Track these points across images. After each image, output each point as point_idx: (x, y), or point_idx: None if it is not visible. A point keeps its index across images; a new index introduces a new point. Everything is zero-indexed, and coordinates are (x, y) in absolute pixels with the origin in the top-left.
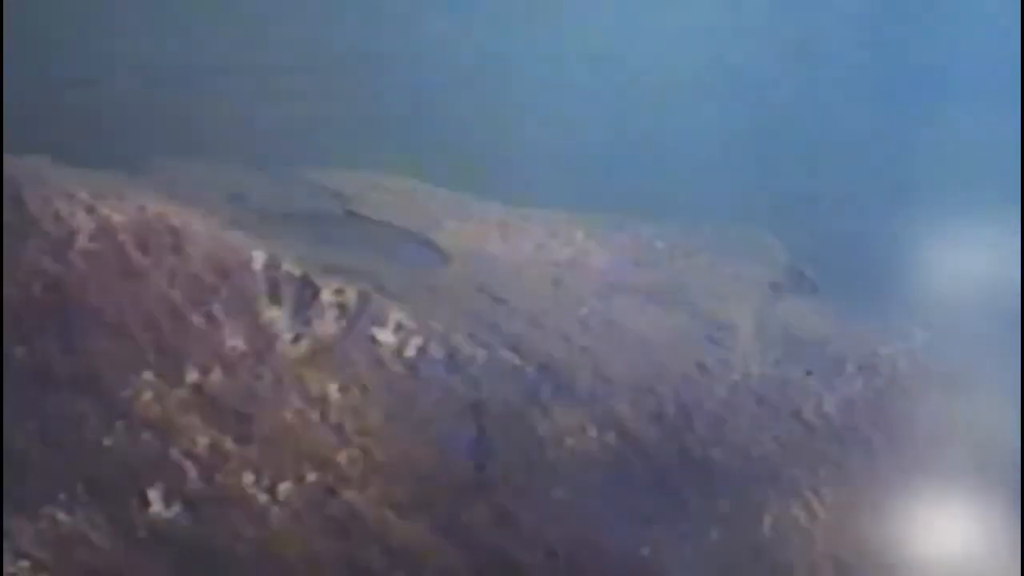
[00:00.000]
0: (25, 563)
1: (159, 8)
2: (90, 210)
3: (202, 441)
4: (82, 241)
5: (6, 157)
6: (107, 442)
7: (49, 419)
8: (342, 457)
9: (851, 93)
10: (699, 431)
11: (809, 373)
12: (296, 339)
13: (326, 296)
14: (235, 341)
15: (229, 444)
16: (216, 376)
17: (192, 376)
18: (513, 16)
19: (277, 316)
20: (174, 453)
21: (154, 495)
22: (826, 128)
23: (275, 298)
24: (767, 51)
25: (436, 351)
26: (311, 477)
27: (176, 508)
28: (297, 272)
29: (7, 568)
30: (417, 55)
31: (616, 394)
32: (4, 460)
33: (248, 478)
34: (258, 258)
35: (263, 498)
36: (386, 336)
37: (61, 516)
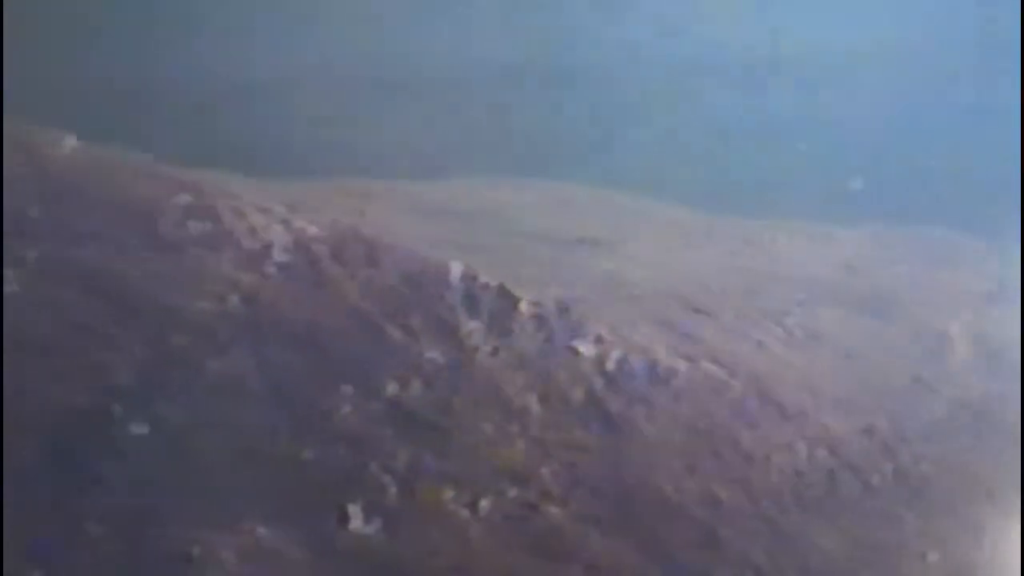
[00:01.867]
0: None
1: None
2: (285, 223)
3: (401, 455)
4: (277, 254)
5: (199, 171)
6: (305, 455)
7: (245, 432)
8: (543, 472)
9: None
10: (914, 447)
11: None
12: (495, 351)
13: (524, 307)
14: (433, 354)
15: (428, 458)
16: (414, 389)
17: (390, 389)
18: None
19: (475, 328)
20: (373, 467)
21: (354, 510)
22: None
23: (473, 310)
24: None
25: (637, 364)
26: (511, 492)
27: (376, 524)
28: (494, 284)
29: None
30: (601, 63)
31: (825, 409)
32: (200, 472)
33: (448, 494)
34: (455, 270)
35: (463, 514)
36: (586, 348)
37: (261, 531)
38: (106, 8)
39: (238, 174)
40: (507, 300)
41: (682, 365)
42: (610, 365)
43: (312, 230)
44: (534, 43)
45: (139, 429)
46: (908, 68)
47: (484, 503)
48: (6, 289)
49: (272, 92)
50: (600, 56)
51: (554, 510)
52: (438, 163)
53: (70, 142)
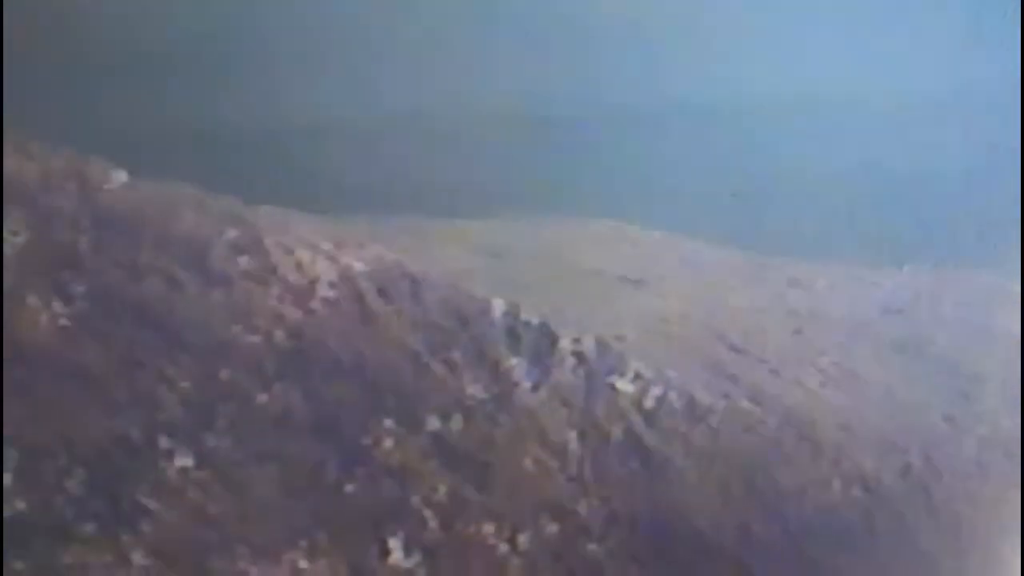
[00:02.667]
0: None
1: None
2: (331, 259)
3: (442, 489)
4: (323, 289)
5: (249, 207)
6: (348, 488)
7: (290, 464)
8: (582, 507)
9: None
10: (948, 485)
11: None
12: (535, 387)
13: (565, 344)
14: (475, 389)
15: (469, 492)
16: (456, 423)
17: (432, 423)
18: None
19: (516, 364)
20: (414, 501)
21: (394, 543)
22: None
23: (514, 346)
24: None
25: (675, 401)
26: (551, 527)
27: (416, 557)
28: (535, 320)
29: None
30: (650, 104)
31: (861, 447)
32: (244, 504)
33: (488, 527)
34: (497, 306)
35: (503, 548)
36: (625, 385)
37: (303, 563)
38: (180, 45)
39: (294, 210)
40: (548, 337)
41: (720, 402)
42: (648, 402)
43: (358, 266)
44: (576, 84)
45: (185, 461)
46: (948, 114)
47: (523, 538)
48: (57, 323)
49: (332, 132)
50: (646, 98)
51: (592, 546)
52: (483, 200)
53: (120, 177)
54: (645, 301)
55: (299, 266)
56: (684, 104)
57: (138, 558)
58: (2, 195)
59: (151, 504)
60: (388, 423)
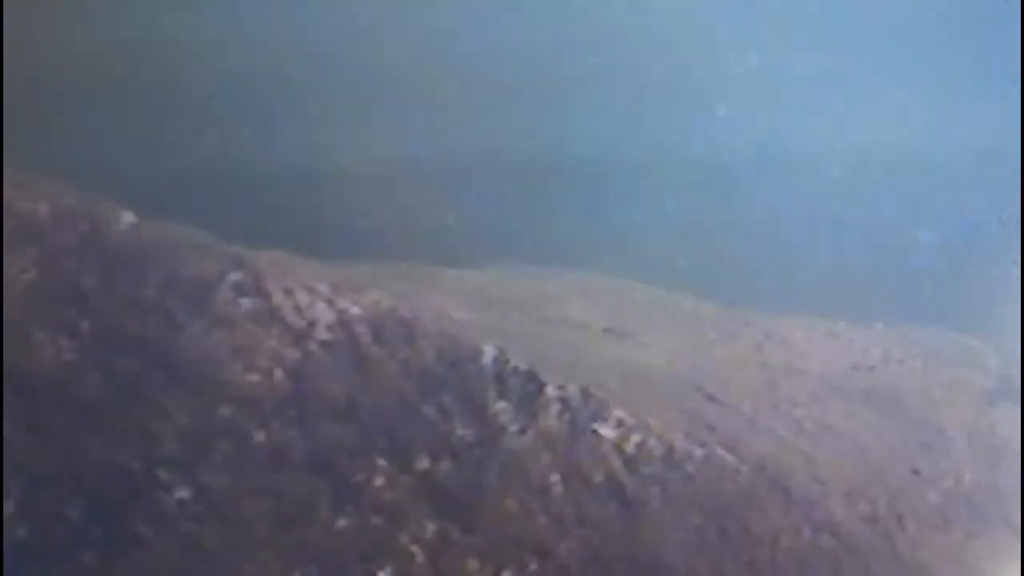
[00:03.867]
0: None
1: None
2: (329, 302)
3: (430, 527)
4: (321, 332)
5: (250, 252)
6: (340, 524)
7: (284, 499)
8: (563, 548)
9: None
10: (913, 535)
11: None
12: (521, 431)
13: (550, 391)
14: (463, 432)
15: (455, 532)
16: (445, 465)
17: (422, 464)
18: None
19: (503, 409)
20: (403, 538)
21: None
22: None
23: (502, 391)
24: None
25: (655, 448)
26: (532, 566)
27: None
28: (523, 367)
29: None
30: (640, 156)
31: (831, 496)
32: (238, 537)
33: (472, 565)
34: (487, 353)
35: None
36: (607, 431)
37: None
38: (187, 90)
39: (297, 252)
40: (535, 383)
41: (697, 451)
42: (629, 448)
43: (355, 310)
44: (559, 136)
45: (182, 493)
46: (919, 173)
47: (506, 575)
48: (63, 358)
49: (331, 178)
50: (638, 149)
51: None
52: (476, 248)
53: (128, 218)
54: (628, 352)
55: (298, 309)
56: (672, 156)
57: None
58: (2, 226)
59: (148, 534)
60: (380, 462)
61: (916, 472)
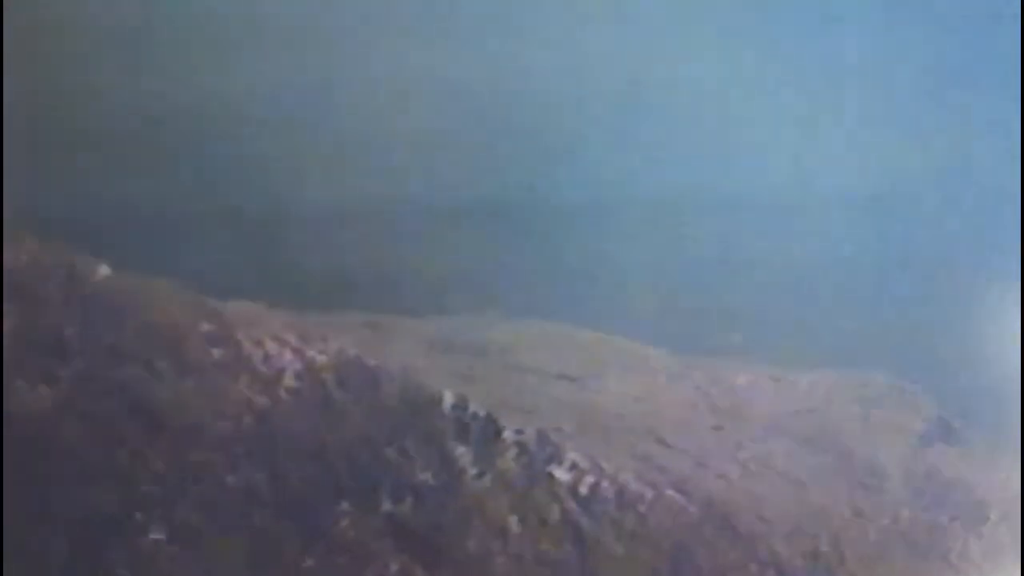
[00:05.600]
0: None
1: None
2: (297, 351)
3: (393, 566)
4: (289, 379)
5: (222, 301)
6: (307, 563)
7: (254, 539)
8: None
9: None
10: (852, 570)
11: (954, 518)
12: (480, 474)
13: (508, 435)
14: (425, 474)
15: (419, 570)
16: (407, 506)
17: (386, 505)
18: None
19: (464, 452)
20: (367, 575)
21: None
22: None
23: (462, 436)
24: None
25: (608, 489)
26: None
27: None
28: (482, 412)
29: None
30: (595, 200)
31: (775, 534)
32: (211, 575)
33: None
34: (448, 398)
35: None
36: (562, 474)
37: None
38: (166, 141)
39: (262, 300)
40: (493, 428)
41: (648, 491)
42: (583, 489)
43: (321, 359)
44: (517, 178)
45: (158, 534)
46: (877, 217)
47: None
48: (43, 404)
49: (297, 221)
50: (592, 191)
51: None
52: (439, 295)
53: (103, 270)
54: (583, 397)
55: (267, 358)
56: (619, 198)
57: None
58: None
59: (126, 573)
60: (345, 504)
61: (855, 510)
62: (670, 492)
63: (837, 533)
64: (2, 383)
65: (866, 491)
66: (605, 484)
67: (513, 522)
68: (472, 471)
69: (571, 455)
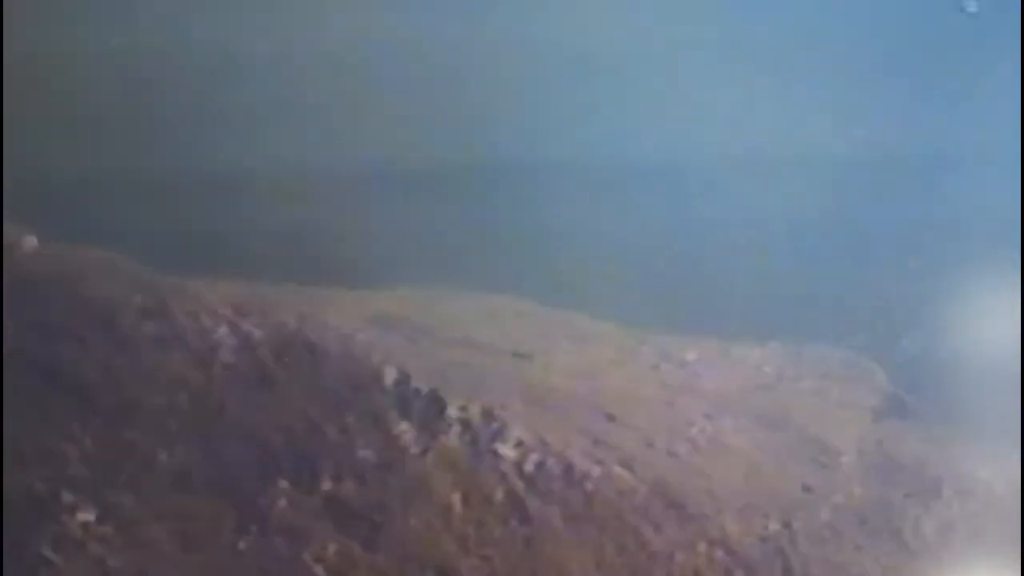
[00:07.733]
0: None
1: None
2: (233, 325)
3: (332, 547)
4: (224, 354)
5: (157, 273)
6: (242, 545)
7: (188, 521)
8: (464, 566)
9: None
10: (803, 550)
11: (908, 495)
12: (424, 452)
13: (452, 412)
14: (366, 452)
15: (357, 551)
16: (348, 485)
17: (325, 485)
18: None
19: (406, 429)
20: (306, 557)
21: None
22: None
23: (405, 412)
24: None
25: (554, 466)
26: None
27: None
28: (425, 389)
29: None
30: (538, 169)
31: (724, 512)
32: (142, 559)
33: None
34: (389, 374)
35: None
36: (507, 451)
37: None
38: (96, 101)
39: (199, 273)
40: (437, 404)
41: (595, 469)
42: (529, 467)
43: (258, 333)
44: (466, 146)
45: (87, 516)
46: (836, 181)
47: None
48: None
49: (241, 187)
50: (543, 153)
51: None
52: (384, 267)
53: (30, 242)
54: (531, 373)
55: (202, 332)
56: (568, 164)
57: None
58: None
59: (53, 557)
60: (283, 483)
61: (807, 488)
62: (618, 469)
63: (788, 511)
64: None
65: (818, 468)
66: (551, 461)
67: (457, 500)
68: (415, 449)
69: (517, 432)
